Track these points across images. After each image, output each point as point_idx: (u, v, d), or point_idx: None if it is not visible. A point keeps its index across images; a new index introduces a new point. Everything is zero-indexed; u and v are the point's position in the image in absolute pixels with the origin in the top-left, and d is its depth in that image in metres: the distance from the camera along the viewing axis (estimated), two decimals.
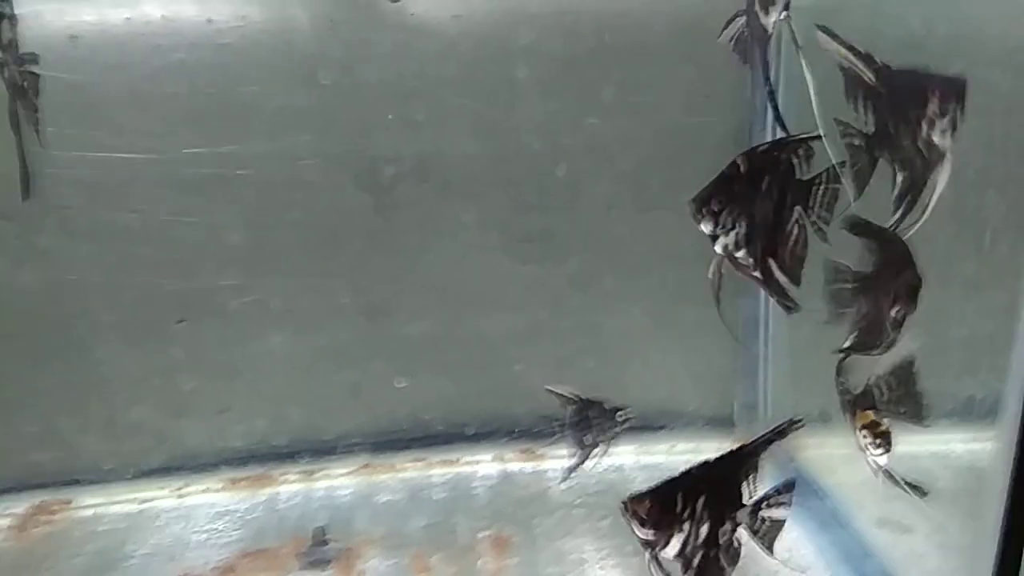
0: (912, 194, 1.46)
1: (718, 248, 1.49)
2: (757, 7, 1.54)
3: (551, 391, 2.20)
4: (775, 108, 1.90)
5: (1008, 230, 1.64)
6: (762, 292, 2.70)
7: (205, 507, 2.55)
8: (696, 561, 1.56)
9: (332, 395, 2.71)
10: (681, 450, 2.72)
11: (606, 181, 2.60)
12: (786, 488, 1.65)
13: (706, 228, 1.46)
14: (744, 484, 1.59)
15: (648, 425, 2.79)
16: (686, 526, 1.53)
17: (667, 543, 1.53)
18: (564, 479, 2.37)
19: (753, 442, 1.59)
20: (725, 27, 1.65)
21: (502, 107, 2.53)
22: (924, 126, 1.39)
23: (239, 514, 2.51)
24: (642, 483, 2.66)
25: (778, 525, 1.66)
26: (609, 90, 2.51)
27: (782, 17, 1.53)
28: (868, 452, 1.67)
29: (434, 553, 2.27)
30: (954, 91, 1.35)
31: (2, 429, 2.55)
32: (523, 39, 2.43)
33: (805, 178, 1.53)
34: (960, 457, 2.04)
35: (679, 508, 1.52)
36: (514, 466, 2.76)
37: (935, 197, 1.40)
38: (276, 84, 2.42)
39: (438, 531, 2.39)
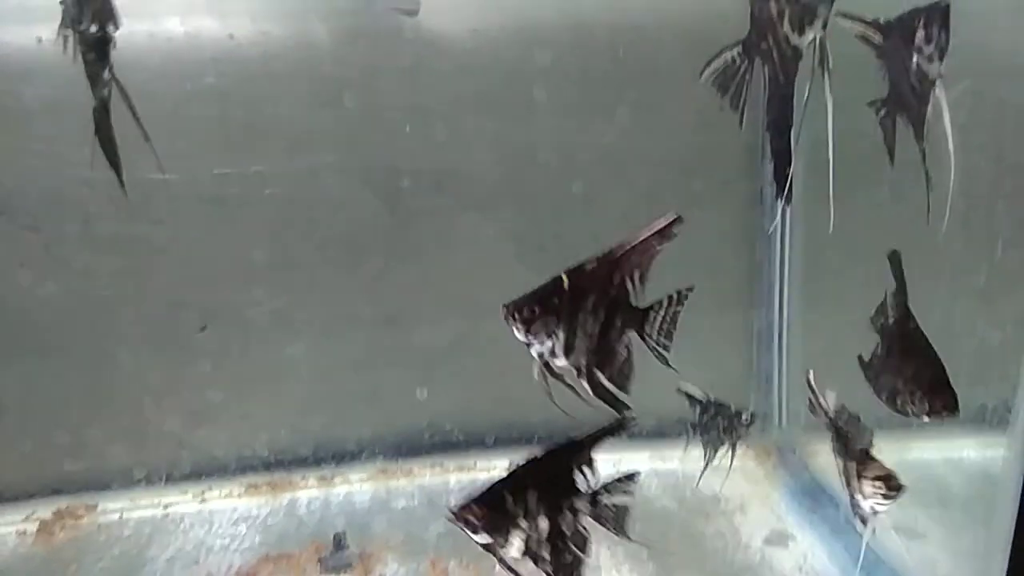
0: (916, 130, 1.47)
1: (534, 353, 1.48)
2: (787, 28, 1.52)
3: (682, 390, 2.25)
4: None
5: (1019, 240, 1.66)
6: (777, 302, 2.77)
7: (227, 512, 2.59)
8: (546, 555, 1.54)
9: (351, 402, 2.76)
10: (695, 457, 2.73)
11: (620, 194, 2.63)
12: (627, 478, 1.63)
13: (518, 335, 1.46)
14: (578, 475, 1.56)
15: (662, 433, 2.81)
16: (523, 524, 1.51)
17: (508, 544, 1.51)
18: (698, 481, 2.43)
19: (585, 436, 1.55)
20: (708, 64, 1.61)
21: (518, 121, 2.57)
22: (915, 57, 1.40)
23: (260, 519, 2.55)
24: (657, 490, 2.73)
25: (624, 510, 1.64)
26: (623, 105, 2.55)
27: (822, 35, 1.51)
28: (870, 499, 1.67)
29: (451, 558, 2.30)
30: (938, 16, 1.36)
31: (29, 437, 2.60)
32: (539, 54, 2.48)
33: (642, 306, 1.54)
34: (973, 464, 2.06)
35: (510, 508, 1.50)
36: None
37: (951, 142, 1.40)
38: (297, 99, 2.48)
39: (455, 537, 2.41)
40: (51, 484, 2.62)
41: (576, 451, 1.56)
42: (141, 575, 2.30)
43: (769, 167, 2.64)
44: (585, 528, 1.59)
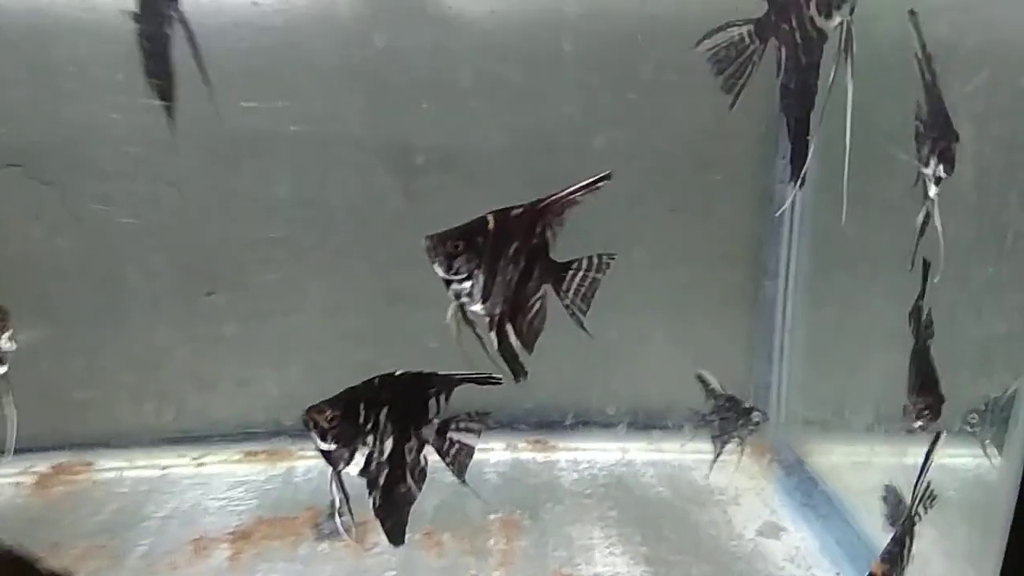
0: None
1: (451, 294, 1.48)
2: (813, 10, 1.51)
3: (700, 378, 2.26)
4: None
5: None
6: (779, 299, 2.78)
7: (224, 476, 2.60)
8: (381, 479, 1.53)
9: (352, 375, 2.75)
10: (691, 449, 2.74)
11: (630, 180, 2.64)
12: (479, 415, 1.63)
13: (439, 270, 1.45)
14: (431, 402, 1.56)
15: (660, 420, 2.83)
16: (369, 440, 1.50)
17: (351, 458, 1.50)
18: (708, 474, 2.44)
19: (455, 374, 1.55)
20: (708, 36, 1.54)
21: (532, 103, 2.58)
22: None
23: (256, 485, 2.56)
24: (652, 478, 2.74)
25: (468, 451, 1.64)
26: (638, 89, 2.56)
27: (849, 19, 1.51)
28: None
29: (445, 531, 2.31)
30: None
31: (30, 390, 2.61)
32: (556, 38, 2.49)
33: (559, 260, 1.54)
34: (967, 467, 2.07)
35: (361, 419, 1.48)
36: (526, 455, 2.81)
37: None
38: (315, 70, 2.48)
39: (449, 511, 2.42)
40: (51, 439, 2.63)
41: (438, 383, 1.54)
42: (136, 531, 2.31)
43: (781, 162, 2.68)
44: (425, 462, 1.58)
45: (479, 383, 1.55)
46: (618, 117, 2.57)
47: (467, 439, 1.64)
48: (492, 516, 2.40)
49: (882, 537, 2.23)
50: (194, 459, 2.67)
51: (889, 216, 2.29)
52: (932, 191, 1.65)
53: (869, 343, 2.43)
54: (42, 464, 2.59)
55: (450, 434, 1.61)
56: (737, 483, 2.59)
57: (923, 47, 1.60)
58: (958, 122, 1.64)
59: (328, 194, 2.62)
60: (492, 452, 2.80)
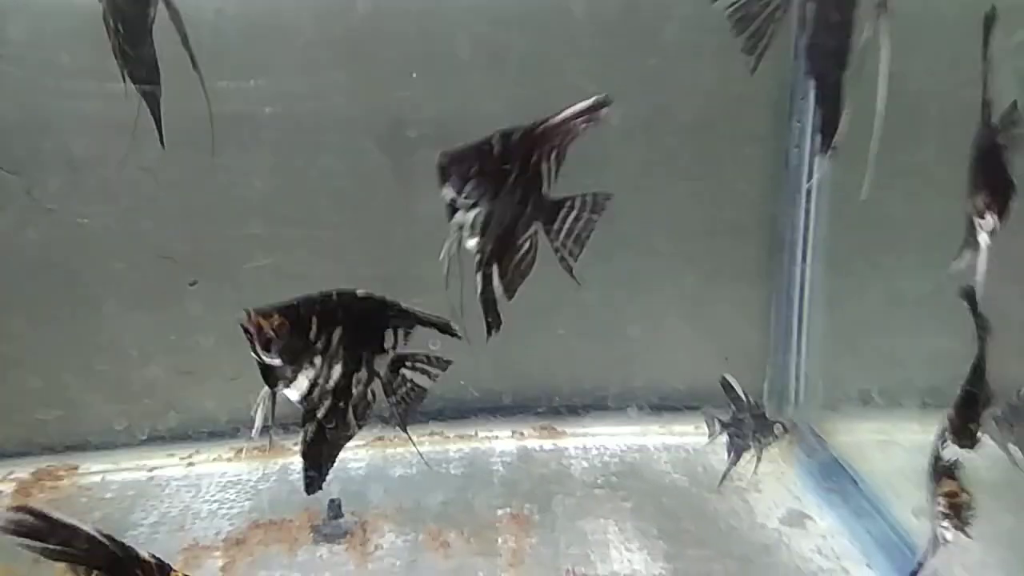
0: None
1: (453, 227, 1.35)
2: None
3: (724, 382, 2.12)
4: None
5: None
6: (798, 272, 2.63)
7: (215, 476, 2.47)
8: (322, 411, 1.36)
9: None
10: (706, 431, 2.61)
11: (639, 150, 2.50)
12: (438, 360, 1.47)
13: (448, 192, 1.31)
14: (388, 333, 1.40)
15: (674, 405, 2.70)
16: (317, 361, 1.31)
17: (293, 379, 1.31)
18: (720, 482, 2.32)
19: (416, 311, 1.40)
20: None
21: (532, 73, 2.42)
22: None
23: (250, 484, 2.43)
24: (667, 464, 2.61)
25: (418, 393, 1.48)
26: (645, 55, 2.40)
27: None
28: (938, 521, 1.56)
29: (451, 529, 2.18)
30: None
31: (7, 388, 2.47)
32: (558, 5, 2.34)
33: (553, 197, 1.42)
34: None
35: (312, 335, 1.29)
36: (533, 443, 2.68)
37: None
38: (301, 35, 2.33)
39: (455, 507, 2.30)
40: (31, 442, 2.50)
41: (399, 315, 1.39)
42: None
43: (796, 126, 2.53)
44: (372, 396, 1.42)
45: (439, 329, 1.40)
46: (624, 86, 2.41)
47: (420, 380, 1.47)
48: (500, 511, 2.27)
49: (913, 523, 2.12)
50: (183, 459, 2.54)
51: (916, 183, 2.15)
52: (983, 239, 1.51)
53: (895, 317, 2.30)
54: (22, 469, 2.45)
55: (403, 371, 1.44)
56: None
57: (985, 85, 1.46)
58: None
59: (315, 175, 2.47)
60: (497, 440, 2.68)
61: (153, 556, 1.13)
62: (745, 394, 2.15)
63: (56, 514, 1.07)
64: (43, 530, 1.05)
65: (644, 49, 2.41)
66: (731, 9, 1.40)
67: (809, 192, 2.53)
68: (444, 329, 1.41)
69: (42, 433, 2.51)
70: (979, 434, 1.62)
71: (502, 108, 2.41)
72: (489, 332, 1.46)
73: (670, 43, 2.40)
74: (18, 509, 1.03)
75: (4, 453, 2.47)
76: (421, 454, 2.30)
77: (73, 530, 1.08)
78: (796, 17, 1.41)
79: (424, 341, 1.47)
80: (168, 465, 2.52)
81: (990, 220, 1.48)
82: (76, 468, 2.48)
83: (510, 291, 1.46)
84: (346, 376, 1.37)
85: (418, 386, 1.49)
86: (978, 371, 1.57)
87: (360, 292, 1.36)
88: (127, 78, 1.61)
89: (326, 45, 2.35)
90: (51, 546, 1.05)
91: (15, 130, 2.30)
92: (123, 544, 1.12)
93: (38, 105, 2.26)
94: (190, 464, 2.53)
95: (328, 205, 2.49)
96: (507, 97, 2.40)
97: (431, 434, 2.66)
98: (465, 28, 2.34)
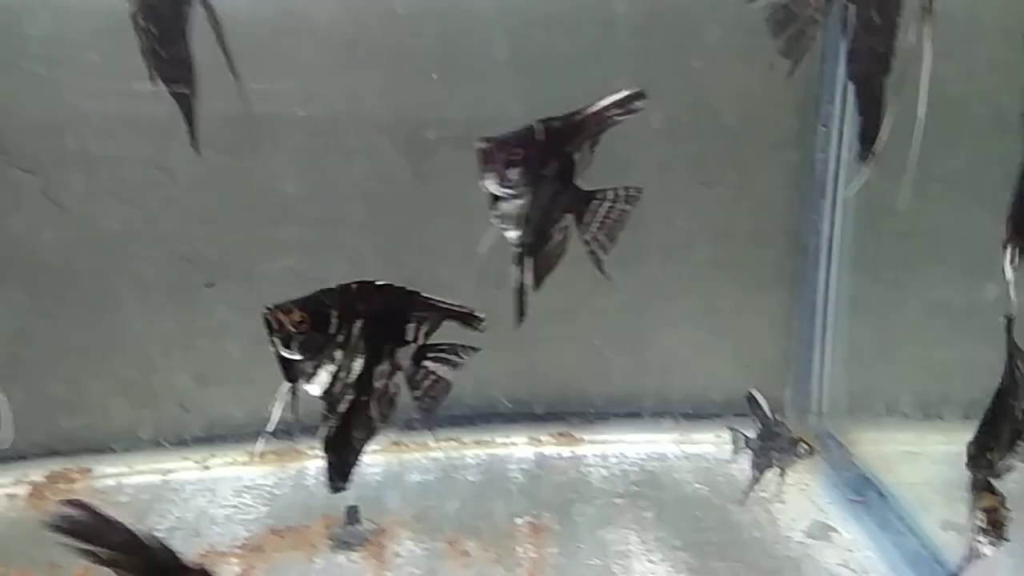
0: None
1: (494, 219, 1.32)
2: None
3: (751, 398, 2.08)
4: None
5: None
6: (822, 278, 2.59)
7: (231, 481, 2.44)
8: (343, 405, 1.32)
9: None
10: (727, 439, 2.58)
11: (659, 153, 2.46)
12: (464, 348, 1.39)
13: (491, 183, 1.28)
14: (411, 326, 1.35)
15: (694, 412, 2.66)
16: (337, 355, 1.29)
17: (314, 373, 1.28)
18: (742, 501, 2.23)
19: (440, 302, 1.35)
20: None
21: (554, 75, 2.38)
22: None
23: (266, 489, 2.40)
24: (688, 473, 2.57)
25: (443, 386, 1.41)
26: (669, 58, 2.37)
27: None
28: (975, 536, 1.54)
29: (470, 538, 2.15)
30: None
31: (22, 393, 2.44)
32: (581, 6, 2.32)
33: (585, 188, 1.39)
34: None
35: (332, 329, 1.27)
36: (551, 450, 2.64)
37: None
38: (323, 41, 2.30)
39: (473, 515, 2.27)
40: (45, 444, 2.47)
41: (422, 306, 1.33)
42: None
43: (822, 131, 2.49)
44: (396, 388, 1.36)
45: (462, 320, 1.35)
46: (649, 89, 2.37)
47: (444, 372, 1.40)
48: (519, 520, 2.24)
49: (941, 537, 2.08)
50: (199, 462, 2.51)
51: (949, 190, 2.11)
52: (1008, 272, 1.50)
53: (926, 326, 2.26)
54: (36, 472, 2.43)
55: (426, 362, 1.38)
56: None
57: None
58: None
59: (335, 176, 2.44)
60: (515, 447, 2.64)
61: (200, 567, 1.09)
62: (772, 412, 2.10)
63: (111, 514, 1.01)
64: (99, 530, 0.98)
65: (667, 53, 2.38)
66: (768, 13, 1.36)
67: (835, 195, 2.48)
68: (467, 320, 1.35)
69: (56, 435, 2.48)
70: (999, 463, 1.58)
71: (529, 111, 2.38)
72: (520, 321, 1.44)
73: (693, 47, 2.36)
74: (71, 504, 0.96)
75: (18, 455, 2.44)
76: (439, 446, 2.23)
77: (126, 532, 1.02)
78: (838, 19, 1.37)
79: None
80: (183, 469, 2.49)
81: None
82: (90, 471, 2.46)
83: (538, 280, 1.44)
84: (368, 370, 1.32)
85: (442, 378, 1.44)
86: (1002, 397, 1.54)
87: (380, 282, 1.32)
88: (156, 78, 1.57)
89: (350, 47, 2.32)
90: (99, 549, 0.97)
91: (36, 129, 2.28)
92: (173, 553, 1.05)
93: (59, 103, 2.23)
94: (205, 468, 2.50)
95: (350, 207, 2.46)
96: (535, 101, 2.36)
97: (448, 439, 2.62)
98: (493, 30, 2.32)
